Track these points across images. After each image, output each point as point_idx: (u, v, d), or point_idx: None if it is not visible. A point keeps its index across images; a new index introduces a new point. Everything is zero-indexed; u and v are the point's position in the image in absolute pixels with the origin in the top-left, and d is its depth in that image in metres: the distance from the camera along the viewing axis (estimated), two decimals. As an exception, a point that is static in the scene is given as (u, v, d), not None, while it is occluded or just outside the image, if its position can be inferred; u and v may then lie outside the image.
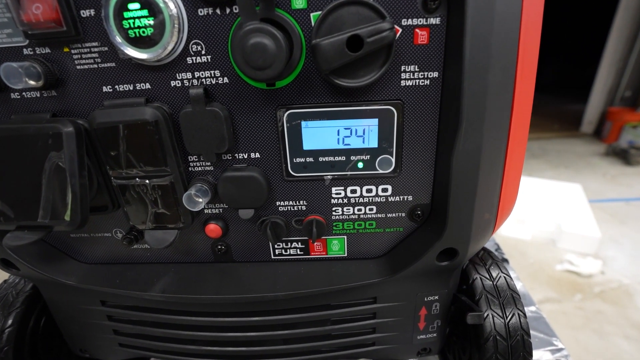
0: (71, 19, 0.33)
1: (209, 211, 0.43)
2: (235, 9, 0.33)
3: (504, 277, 0.48)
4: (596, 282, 1.99)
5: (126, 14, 0.32)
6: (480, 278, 0.47)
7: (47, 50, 0.35)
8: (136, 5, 0.32)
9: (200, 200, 0.38)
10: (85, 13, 0.33)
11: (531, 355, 0.44)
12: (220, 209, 0.43)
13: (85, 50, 0.35)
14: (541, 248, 2.27)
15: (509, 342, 0.43)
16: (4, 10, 0.33)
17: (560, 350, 0.63)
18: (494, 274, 0.48)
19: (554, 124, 4.75)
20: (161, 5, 0.32)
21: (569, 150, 3.96)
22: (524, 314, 0.45)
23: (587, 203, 2.45)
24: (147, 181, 0.38)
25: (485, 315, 0.44)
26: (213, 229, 0.43)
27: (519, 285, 0.73)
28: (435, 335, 0.50)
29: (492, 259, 0.50)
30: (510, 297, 0.46)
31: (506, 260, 0.85)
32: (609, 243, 2.27)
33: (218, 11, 0.33)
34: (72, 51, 0.35)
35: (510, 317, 0.44)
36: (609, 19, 3.96)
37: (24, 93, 0.37)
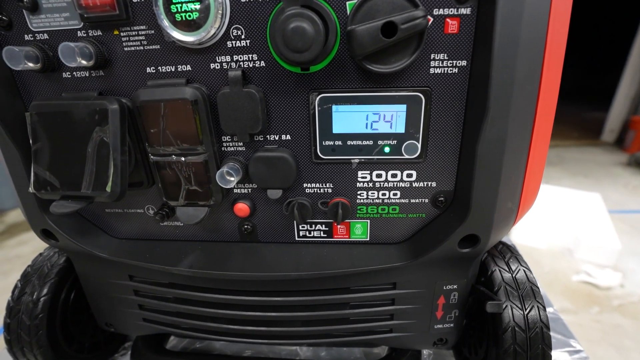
0: (124, 3, 0.35)
1: (238, 191, 0.45)
2: (276, -5, 0.35)
3: (524, 270, 0.48)
4: (615, 295, 1.93)
5: (174, -1, 0.34)
6: (499, 270, 0.47)
7: (99, 32, 0.38)
8: (184, -9, 0.34)
9: (232, 178, 0.39)
10: (136, -3, 0.36)
11: (550, 349, 0.44)
12: (249, 189, 0.45)
13: (134, 33, 0.37)
14: (557, 257, 2.22)
15: (527, 334, 0.44)
16: (65, -5, 0.36)
17: (578, 352, 0.63)
18: (513, 267, 0.48)
19: (572, 132, 4.65)
20: (207, -10, 0.34)
21: (588, 159, 3.86)
22: (544, 307, 0.45)
23: (607, 213, 2.39)
24: (183, 158, 0.41)
25: (504, 306, 0.44)
26: (241, 207, 0.44)
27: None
28: (452, 325, 0.50)
29: (510, 252, 0.51)
30: (529, 290, 0.46)
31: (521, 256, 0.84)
32: (629, 255, 2.20)
33: (259, -2, 0.35)
34: (122, 34, 0.38)
35: (529, 309, 0.44)
36: (634, 22, 3.86)
37: (74, 72, 0.40)
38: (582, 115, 5.39)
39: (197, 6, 0.34)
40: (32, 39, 0.39)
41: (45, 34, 0.39)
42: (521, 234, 2.32)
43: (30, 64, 0.38)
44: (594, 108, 5.49)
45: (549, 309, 0.71)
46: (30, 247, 2.37)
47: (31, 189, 0.41)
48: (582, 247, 2.17)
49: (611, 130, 4.33)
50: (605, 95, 4.47)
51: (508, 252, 0.51)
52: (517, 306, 0.44)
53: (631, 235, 2.42)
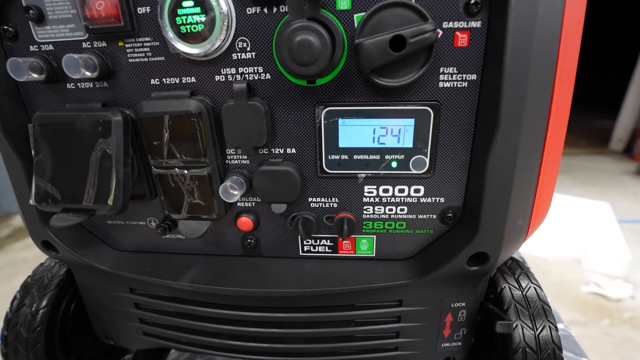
0: (129, 15, 0.35)
1: (242, 204, 0.44)
2: (282, 8, 0.34)
3: (534, 288, 0.46)
4: (626, 307, 1.89)
5: (180, 11, 0.34)
6: (509, 287, 0.46)
7: (104, 44, 0.37)
8: (190, 3, 0.34)
9: (236, 192, 0.39)
10: (141, 10, 0.36)
11: (563, 371, 0.42)
12: (253, 203, 0.44)
13: (138, 44, 0.37)
14: (565, 267, 2.18)
15: (539, 356, 0.42)
16: (69, 7, 0.36)
17: (589, 370, 0.61)
18: (524, 284, 0.47)
19: (580, 140, 4.60)
20: (213, 3, 0.34)
21: (596, 167, 3.81)
22: (556, 327, 0.43)
23: (616, 223, 2.35)
24: (186, 171, 0.40)
25: (515, 325, 0.42)
26: (245, 222, 0.44)
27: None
28: (460, 344, 0.49)
29: (520, 268, 0.49)
30: (540, 309, 0.45)
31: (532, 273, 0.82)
32: None
33: (265, 10, 0.34)
34: (126, 45, 0.37)
35: (540, 329, 0.43)
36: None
37: (78, 83, 0.40)
38: (590, 123, 5.34)
39: (203, 18, 0.34)
40: (37, 49, 0.39)
41: (50, 45, 0.39)
42: (529, 244, 2.28)
43: (35, 75, 0.38)
44: (601, 116, 5.45)
45: (559, 325, 0.68)
46: (35, 251, 2.36)
47: (32, 201, 0.40)
48: (591, 257, 2.13)
49: (619, 139, 4.28)
50: (613, 104, 4.43)
51: (518, 268, 0.49)
52: (528, 326, 0.43)
53: (641, 246, 2.37)
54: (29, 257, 2.33)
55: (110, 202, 0.38)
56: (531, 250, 2.28)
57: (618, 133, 4.30)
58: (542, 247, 2.27)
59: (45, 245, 0.49)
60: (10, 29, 0.38)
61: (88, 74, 0.37)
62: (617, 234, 2.24)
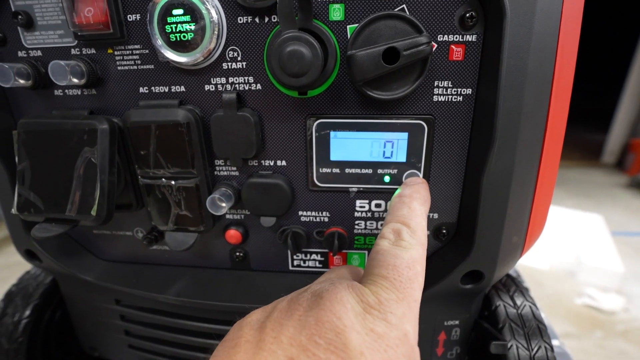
0: (118, 22, 0.34)
1: (230, 217, 0.43)
2: (274, 18, 0.34)
3: (530, 306, 0.46)
4: (619, 320, 1.88)
5: (169, 19, 0.33)
6: (504, 305, 0.45)
7: (93, 50, 0.37)
8: (180, 11, 0.33)
9: (224, 204, 0.38)
10: (131, 17, 0.35)
11: (558, 393, 0.41)
12: (242, 216, 0.43)
13: (128, 52, 0.36)
14: (559, 279, 2.18)
15: (534, 376, 0.41)
16: (59, 13, 0.35)
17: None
18: (519, 302, 0.46)
19: (574, 152, 4.65)
20: (204, 12, 0.33)
21: (589, 180, 3.85)
22: (552, 348, 0.42)
23: (609, 235, 2.36)
24: (173, 182, 0.39)
25: (509, 345, 0.41)
26: (233, 234, 0.42)
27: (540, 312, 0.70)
28: (453, 362, 0.48)
29: (515, 285, 0.48)
30: (536, 328, 0.44)
31: (527, 289, 0.81)
32: (633, 279, 2.16)
33: (257, 19, 0.34)
34: (115, 52, 0.36)
35: (536, 349, 0.42)
36: (632, 46, 3.90)
37: (66, 90, 0.39)
38: (583, 136, 5.40)
39: (193, 27, 0.33)
40: (25, 55, 0.38)
41: (38, 51, 0.38)
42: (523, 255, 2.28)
43: (21, 81, 0.37)
44: (593, 130, 5.51)
45: (554, 342, 0.67)
46: (28, 255, 2.32)
47: (14, 210, 0.39)
48: (584, 270, 2.13)
49: (611, 152, 4.33)
50: (604, 118, 4.49)
51: (512, 285, 0.48)
52: (523, 346, 0.42)
53: (634, 259, 2.38)
54: (24, 260, 2.28)
55: (93, 212, 0.37)
56: (525, 261, 2.28)
57: (610, 146, 4.35)
58: (537, 259, 2.27)
59: (29, 255, 0.47)
60: (-2, 33, 0.37)
61: (75, 80, 0.36)
62: (610, 246, 2.25)
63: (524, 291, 0.47)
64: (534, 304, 0.46)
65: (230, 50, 0.35)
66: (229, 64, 0.36)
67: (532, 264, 2.27)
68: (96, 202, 0.37)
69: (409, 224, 0.30)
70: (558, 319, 1.90)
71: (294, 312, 0.24)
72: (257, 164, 0.39)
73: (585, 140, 5.19)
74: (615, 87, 4.22)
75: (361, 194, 0.40)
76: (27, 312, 0.50)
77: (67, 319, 0.55)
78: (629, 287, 2.09)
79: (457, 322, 0.45)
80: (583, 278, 2.14)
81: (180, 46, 0.34)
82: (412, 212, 0.31)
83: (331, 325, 0.22)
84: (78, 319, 0.54)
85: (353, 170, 0.38)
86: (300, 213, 0.41)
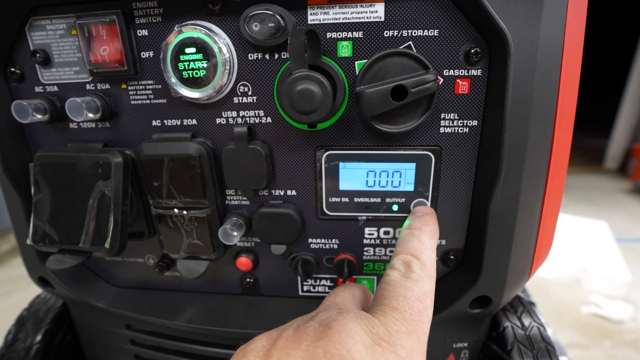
0: (132, 60, 0.36)
1: (241, 244, 0.44)
2: (284, 54, 0.35)
3: (537, 327, 0.46)
4: (627, 329, 1.86)
5: (182, 57, 0.34)
6: (512, 326, 0.45)
7: (107, 86, 0.38)
8: (192, 50, 0.34)
9: (235, 234, 0.38)
10: (145, 54, 0.36)
11: (568, 416, 0.41)
12: (252, 243, 0.43)
13: (141, 87, 0.37)
14: (565, 288, 2.16)
15: (544, 400, 0.41)
16: (75, 51, 0.37)
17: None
18: (526, 323, 0.46)
19: (576, 158, 4.63)
20: (215, 50, 0.34)
21: (592, 186, 3.83)
22: (561, 370, 0.42)
23: (615, 242, 2.34)
24: (185, 212, 0.40)
25: (519, 368, 0.42)
26: (244, 262, 0.43)
27: (548, 332, 0.70)
28: (462, 384, 0.48)
29: (523, 305, 0.49)
30: (544, 350, 0.44)
31: (533, 304, 0.81)
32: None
33: (267, 56, 0.35)
34: (129, 87, 0.38)
35: (545, 372, 0.42)
36: (631, 51, 3.92)
37: (81, 123, 0.40)
38: (585, 141, 5.39)
39: (205, 64, 0.34)
40: (42, 90, 0.39)
41: (55, 87, 0.39)
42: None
43: (38, 116, 0.38)
44: (594, 135, 5.50)
45: (562, 358, 0.67)
46: (31, 268, 2.32)
47: (29, 241, 0.40)
48: (590, 278, 2.11)
49: (614, 158, 4.31)
50: (606, 123, 4.48)
51: (520, 306, 0.49)
52: (533, 369, 0.42)
53: (641, 266, 2.36)
54: (28, 274, 2.28)
55: (107, 245, 0.37)
56: (531, 269, 2.26)
57: (612, 152, 4.33)
58: (542, 267, 2.25)
59: (41, 281, 0.48)
60: (18, 70, 0.39)
61: (91, 115, 0.37)
62: (616, 253, 2.23)
63: (531, 311, 0.48)
64: (542, 325, 0.46)
65: (241, 85, 0.36)
66: (240, 98, 0.37)
67: (538, 273, 2.24)
68: (110, 234, 0.37)
69: (419, 256, 0.30)
70: (565, 328, 1.88)
71: (301, 341, 0.24)
72: (267, 194, 0.40)
73: (587, 145, 5.18)
74: (616, 92, 4.22)
75: (370, 222, 0.40)
76: (39, 337, 0.50)
77: (77, 342, 0.55)
78: (636, 295, 2.07)
79: (465, 344, 0.45)
80: (589, 286, 2.12)
81: (192, 82, 0.35)
82: (422, 244, 0.32)
83: (340, 358, 0.22)
84: (89, 343, 0.55)
85: (362, 199, 0.39)
86: (310, 240, 0.42)
